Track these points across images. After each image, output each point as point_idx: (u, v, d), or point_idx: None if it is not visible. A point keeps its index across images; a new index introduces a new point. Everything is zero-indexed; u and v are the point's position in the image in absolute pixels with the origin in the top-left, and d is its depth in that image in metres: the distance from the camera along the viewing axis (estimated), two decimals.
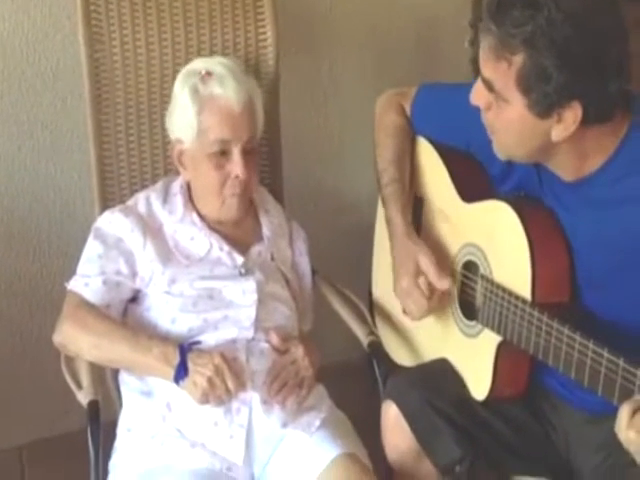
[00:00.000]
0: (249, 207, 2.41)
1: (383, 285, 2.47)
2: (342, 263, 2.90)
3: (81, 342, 2.23)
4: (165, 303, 2.27)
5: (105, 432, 2.18)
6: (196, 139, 2.28)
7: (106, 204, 2.48)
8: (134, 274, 2.28)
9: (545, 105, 1.81)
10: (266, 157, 2.58)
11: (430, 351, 2.33)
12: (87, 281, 2.26)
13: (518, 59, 1.80)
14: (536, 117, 1.84)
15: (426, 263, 2.17)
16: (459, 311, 2.21)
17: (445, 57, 3.05)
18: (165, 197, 2.38)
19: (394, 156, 2.34)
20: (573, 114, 1.81)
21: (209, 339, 2.22)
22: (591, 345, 1.77)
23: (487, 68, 1.87)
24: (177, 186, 2.39)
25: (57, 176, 2.76)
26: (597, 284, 1.96)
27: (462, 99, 2.07)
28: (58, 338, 2.27)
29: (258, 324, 2.27)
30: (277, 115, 2.60)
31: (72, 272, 2.32)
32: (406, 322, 2.40)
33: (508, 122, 1.89)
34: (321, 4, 2.96)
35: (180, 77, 2.36)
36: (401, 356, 2.45)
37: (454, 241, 2.23)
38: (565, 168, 1.95)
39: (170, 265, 2.28)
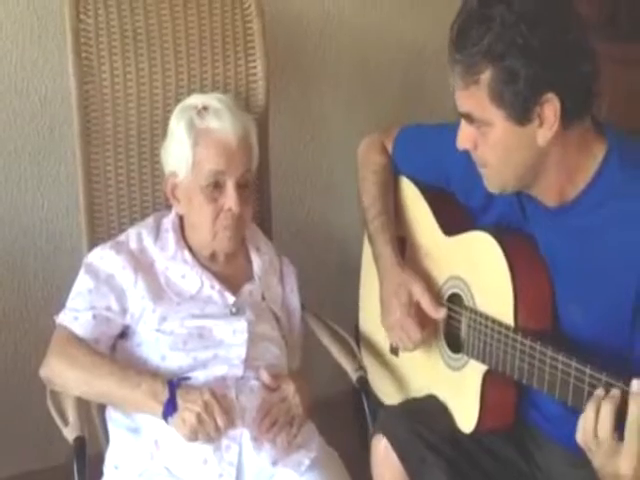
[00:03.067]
0: (241, 244, 2.39)
1: (371, 322, 2.45)
2: (329, 296, 2.88)
3: (68, 377, 2.20)
4: (155, 340, 2.24)
5: (90, 465, 2.14)
6: (191, 171, 2.27)
7: (94, 237, 2.45)
8: (124, 311, 2.25)
9: (521, 105, 1.83)
10: (255, 190, 2.55)
11: (417, 387, 2.31)
12: (76, 315, 2.23)
13: (486, 76, 1.83)
14: (518, 125, 1.85)
15: (419, 292, 2.16)
16: (445, 345, 2.19)
17: (432, 92, 3.05)
18: (157, 233, 2.35)
19: (379, 191, 2.35)
20: (552, 108, 1.82)
21: (199, 376, 2.19)
22: (573, 363, 1.78)
23: (462, 101, 1.90)
24: (169, 222, 2.37)
25: (44, 207, 2.74)
26: (576, 302, 1.95)
27: (439, 138, 2.12)
28: (45, 372, 2.23)
29: (248, 363, 2.24)
30: (266, 149, 2.58)
31: (58, 305, 2.29)
32: (393, 359, 2.38)
33: (495, 144, 1.90)
34: (311, 38, 2.96)
35: (176, 112, 2.35)
36: (388, 394, 2.42)
37: (438, 275, 2.22)
38: (550, 191, 1.95)
39: (161, 303, 2.26)
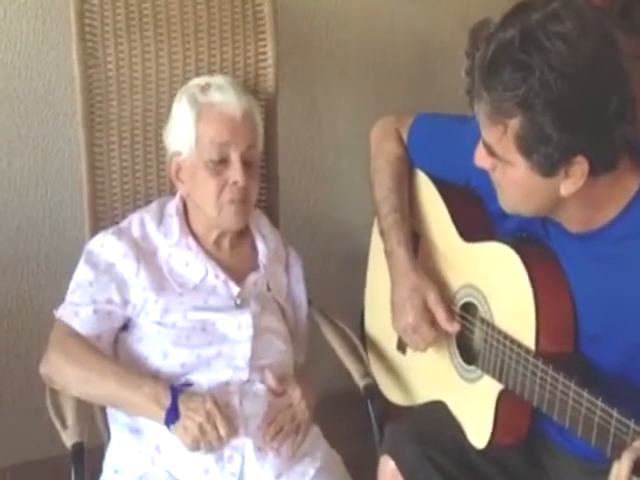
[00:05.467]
0: (246, 226, 2.29)
1: (377, 319, 2.35)
2: (335, 290, 2.78)
3: (69, 375, 2.11)
4: (157, 334, 2.15)
5: (91, 458, 2.09)
6: (194, 147, 2.17)
7: (97, 224, 2.37)
8: (126, 302, 2.16)
9: (548, 165, 1.71)
10: (263, 180, 2.47)
11: (425, 392, 2.21)
12: (77, 310, 2.14)
13: (514, 122, 1.69)
14: (542, 177, 1.73)
15: (433, 300, 2.06)
16: (458, 354, 2.09)
17: (442, 85, 2.98)
18: (160, 219, 2.26)
19: (394, 185, 2.21)
20: (580, 169, 1.70)
21: (202, 379, 2.11)
22: (599, 403, 1.66)
23: (485, 132, 1.78)
24: (172, 207, 2.27)
25: (47, 195, 2.68)
26: (592, 337, 1.86)
27: (461, 133, 1.99)
28: (44, 369, 2.14)
29: (253, 362, 2.15)
30: (275, 137, 2.49)
31: (61, 293, 2.22)
32: (400, 359, 2.29)
33: (513, 183, 1.79)
34: (319, 29, 2.89)
35: (178, 94, 2.26)
36: (394, 394, 2.33)
37: (453, 281, 2.11)
38: (574, 220, 1.84)
39: (163, 294, 2.17)
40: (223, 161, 2.16)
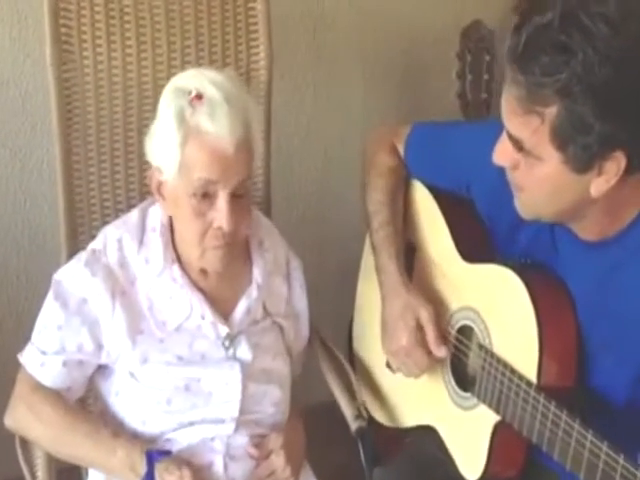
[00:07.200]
0: (239, 251, 2.02)
1: (367, 335, 2.21)
2: (326, 303, 2.61)
3: (36, 432, 1.94)
4: (135, 395, 1.93)
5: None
6: (177, 173, 1.83)
7: (75, 237, 2.18)
8: (99, 347, 1.92)
9: (585, 159, 1.57)
10: (257, 187, 2.32)
11: (415, 415, 2.07)
12: (44, 360, 1.91)
13: (552, 111, 1.55)
14: (574, 172, 1.59)
15: (425, 318, 1.92)
16: (452, 380, 1.94)
17: (432, 89, 2.92)
18: (141, 236, 1.96)
19: (386, 197, 2.07)
20: (616, 165, 1.57)
21: (182, 437, 1.93)
22: (604, 447, 1.53)
23: (514, 124, 1.62)
24: (156, 218, 1.96)
25: (26, 207, 2.61)
26: (597, 353, 1.74)
27: (459, 137, 1.88)
28: (10, 423, 1.97)
29: (242, 418, 1.95)
30: (268, 141, 2.33)
31: (40, 306, 2.02)
32: (390, 377, 2.14)
33: (541, 180, 1.64)
34: (307, 30, 2.80)
35: (167, 93, 1.90)
36: (381, 414, 2.18)
37: (450, 301, 1.96)
38: (591, 227, 1.72)
39: (141, 340, 1.92)
40: (208, 197, 1.84)
